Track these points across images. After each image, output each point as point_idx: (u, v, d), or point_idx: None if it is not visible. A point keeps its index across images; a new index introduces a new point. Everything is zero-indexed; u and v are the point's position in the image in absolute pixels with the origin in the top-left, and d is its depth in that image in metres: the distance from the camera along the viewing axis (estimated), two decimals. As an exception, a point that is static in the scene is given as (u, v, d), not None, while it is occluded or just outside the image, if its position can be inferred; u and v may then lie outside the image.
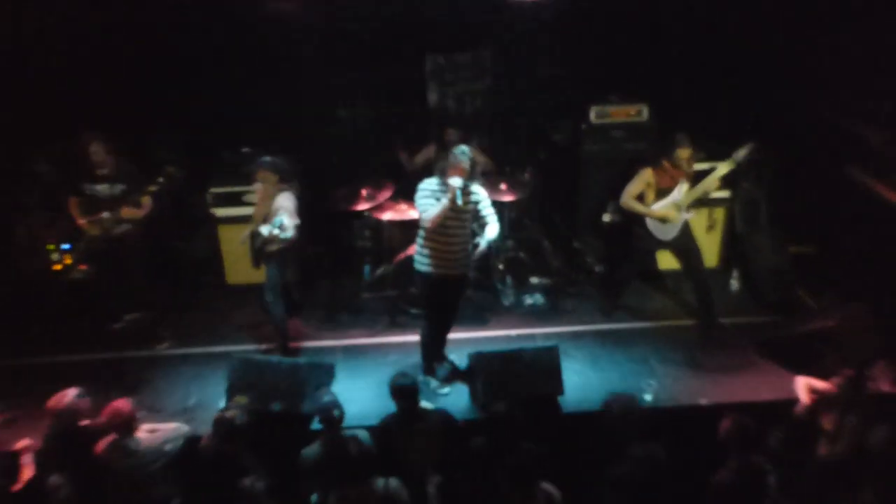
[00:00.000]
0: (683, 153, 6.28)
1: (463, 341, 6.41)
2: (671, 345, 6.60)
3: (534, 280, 7.27)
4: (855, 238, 6.80)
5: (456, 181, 5.35)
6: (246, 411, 4.78)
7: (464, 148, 5.51)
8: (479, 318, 6.81)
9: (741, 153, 6.21)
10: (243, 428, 4.70)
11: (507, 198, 6.98)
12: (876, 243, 6.45)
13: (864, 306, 5.99)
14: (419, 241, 5.60)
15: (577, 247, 7.53)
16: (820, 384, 5.01)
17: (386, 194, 6.95)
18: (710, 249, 7.39)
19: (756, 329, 6.74)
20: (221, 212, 6.98)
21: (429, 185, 5.52)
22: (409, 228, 6.93)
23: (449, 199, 5.37)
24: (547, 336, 6.64)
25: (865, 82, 6.63)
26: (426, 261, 5.59)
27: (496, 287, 7.11)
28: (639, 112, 7.32)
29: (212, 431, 4.77)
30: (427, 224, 5.42)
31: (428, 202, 5.46)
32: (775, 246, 7.34)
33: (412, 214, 6.70)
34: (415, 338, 6.18)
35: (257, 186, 5.91)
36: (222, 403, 5.27)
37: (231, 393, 5.39)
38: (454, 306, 5.83)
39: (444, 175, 5.47)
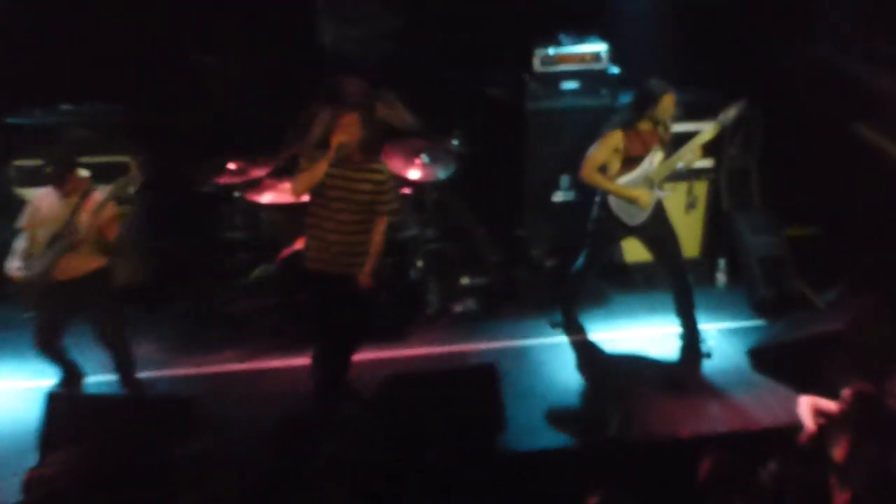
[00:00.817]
0: (666, 107, 6.24)
1: (372, 364, 6.37)
2: (641, 359, 6.64)
3: (464, 281, 7.24)
4: (867, 215, 6.97)
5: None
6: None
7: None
8: (392, 333, 6.78)
9: (730, 113, 6.26)
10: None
11: (428, 173, 6.95)
12: (893, 221, 6.62)
13: (881, 302, 6.08)
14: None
15: (520, 235, 7.53)
16: (828, 404, 5.01)
17: (264, 169, 6.91)
18: (689, 235, 7.42)
19: (748, 335, 6.82)
20: (32, 193, 6.66)
21: None
22: (297, 214, 6.84)
23: (326, 157, 5.51)
24: (483, 353, 6.66)
25: (878, 16, 6.77)
26: (305, 252, 5.75)
27: (415, 291, 7.04)
28: (596, 56, 7.33)
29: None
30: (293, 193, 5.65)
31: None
32: (770, 228, 7.43)
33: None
34: (307, 361, 6.15)
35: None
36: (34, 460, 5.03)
37: (46, 443, 5.15)
38: (340, 321, 5.79)
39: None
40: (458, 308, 7.11)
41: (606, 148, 6.32)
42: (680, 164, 6.39)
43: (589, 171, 6.34)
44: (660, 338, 6.85)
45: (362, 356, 6.23)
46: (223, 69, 7.51)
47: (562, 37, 7.36)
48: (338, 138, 5.56)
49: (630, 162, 6.35)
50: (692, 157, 6.39)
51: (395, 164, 6.83)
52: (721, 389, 6.30)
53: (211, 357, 6.65)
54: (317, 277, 5.73)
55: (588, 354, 6.72)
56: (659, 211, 6.48)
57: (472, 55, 7.67)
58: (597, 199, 6.48)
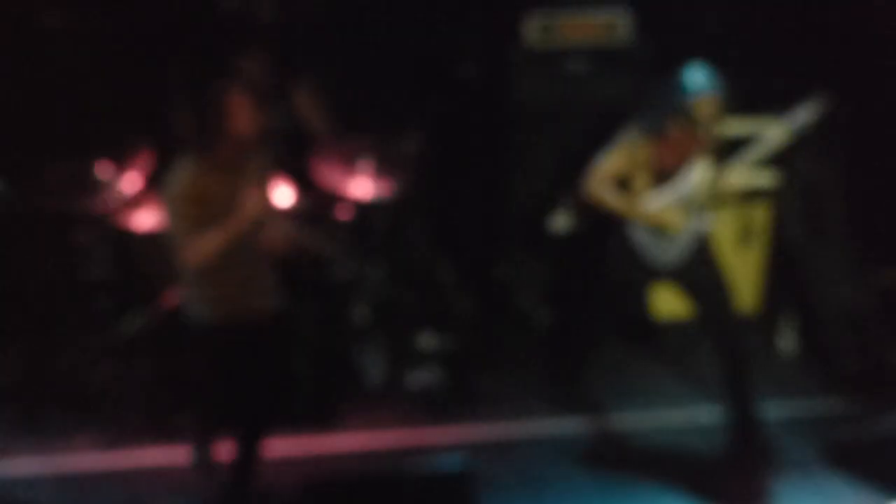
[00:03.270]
0: (705, 104, 6.21)
1: (289, 462, 6.43)
2: (674, 457, 6.68)
3: (424, 342, 7.29)
4: None
5: (253, 203, 5.47)
6: None
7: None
8: (319, 417, 6.84)
9: (802, 114, 6.33)
10: None
11: (375, 189, 7.03)
12: None
13: None
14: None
15: (503, 278, 7.62)
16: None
17: (137, 181, 6.93)
18: (743, 281, 7.48)
19: (825, 424, 6.89)
20: None
21: (175, 184, 5.48)
22: None
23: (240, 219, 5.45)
24: (449, 447, 6.65)
25: None
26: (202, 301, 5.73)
27: (353, 356, 7.11)
28: (612, 26, 7.44)
29: None
30: (189, 264, 5.51)
31: (181, 220, 5.47)
32: (857, 272, 7.52)
33: None
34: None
35: None
36: None
37: None
38: (257, 384, 5.87)
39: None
40: (413, 381, 7.16)
41: (624, 157, 6.36)
42: (734, 181, 6.41)
43: (595, 186, 6.38)
44: (701, 426, 6.89)
45: (275, 450, 6.24)
46: (66, 30, 7.60)
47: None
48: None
49: (663, 177, 6.42)
50: (747, 173, 6.45)
51: (327, 175, 6.93)
52: (787, 501, 6.34)
53: (56, 445, 6.62)
54: (223, 329, 5.73)
55: (599, 450, 6.71)
56: (701, 247, 6.52)
57: (438, 24, 7.74)
58: (615, 227, 6.51)
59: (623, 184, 6.41)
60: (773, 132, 6.34)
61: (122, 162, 6.97)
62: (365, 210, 7.08)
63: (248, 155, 5.55)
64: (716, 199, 6.49)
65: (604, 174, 6.38)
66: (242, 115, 5.40)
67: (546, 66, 7.35)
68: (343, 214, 7.04)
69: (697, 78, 6.19)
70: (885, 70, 7.49)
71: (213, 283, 5.59)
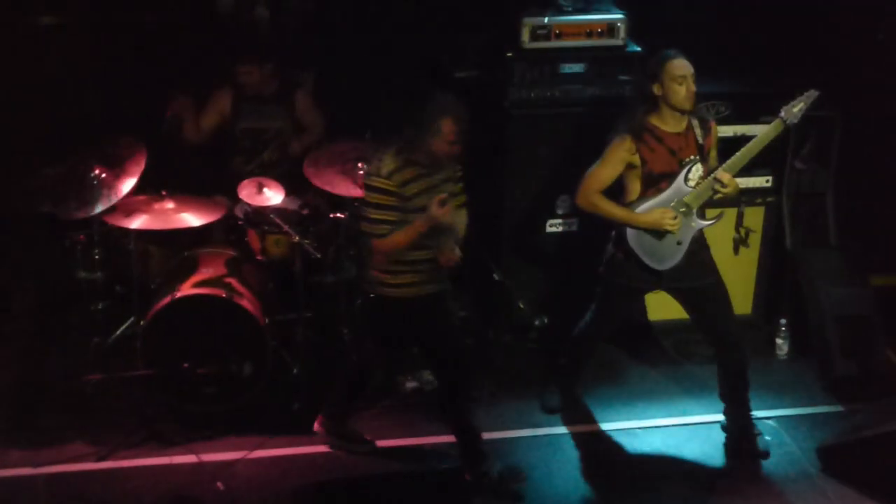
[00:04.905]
0: (677, 65, 6.26)
1: (282, 464, 6.52)
2: (672, 460, 6.71)
3: None
4: None
5: (440, 214, 5.87)
6: None
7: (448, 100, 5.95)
8: (313, 420, 6.77)
9: (795, 108, 6.36)
10: None
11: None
12: None
13: None
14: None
15: (499, 281, 7.45)
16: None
17: (129, 181, 6.92)
18: (738, 285, 7.51)
19: (819, 426, 6.96)
20: None
21: (384, 181, 5.87)
22: (180, 247, 6.98)
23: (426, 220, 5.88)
24: (445, 451, 6.63)
25: None
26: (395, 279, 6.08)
27: (349, 359, 7.09)
28: (611, 28, 7.43)
29: None
30: (382, 253, 5.95)
31: (386, 215, 5.90)
32: (851, 276, 7.60)
33: (189, 220, 6.88)
34: (188, 459, 6.21)
35: None
36: None
37: None
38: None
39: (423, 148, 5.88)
40: (409, 384, 7.16)
41: (613, 162, 6.38)
42: (728, 183, 6.40)
43: (588, 196, 6.40)
44: (698, 429, 6.93)
45: (267, 452, 6.48)
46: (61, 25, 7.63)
47: (562, 0, 7.43)
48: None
49: (653, 180, 6.42)
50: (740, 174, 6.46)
51: (323, 176, 6.99)
52: (783, 502, 6.42)
53: (51, 451, 6.56)
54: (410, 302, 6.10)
55: (596, 453, 6.73)
56: (698, 251, 6.54)
57: (432, 24, 7.78)
58: (612, 232, 6.54)
59: (614, 189, 6.44)
60: (764, 130, 6.38)
61: (114, 164, 6.97)
62: (354, 209, 6.97)
63: (443, 166, 6.02)
64: (710, 201, 6.49)
65: (597, 182, 6.40)
66: (452, 139, 5.87)
67: (542, 67, 7.36)
68: (339, 215, 7.08)
69: (663, 59, 6.28)
70: (877, 76, 7.62)
71: (405, 268, 6.01)
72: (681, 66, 6.24)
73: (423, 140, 5.85)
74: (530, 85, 7.39)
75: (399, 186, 5.84)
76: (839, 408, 7.17)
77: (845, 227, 7.81)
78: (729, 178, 6.36)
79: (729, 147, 6.56)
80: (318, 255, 6.98)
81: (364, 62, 7.77)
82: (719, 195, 6.40)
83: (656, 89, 6.26)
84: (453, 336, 6.37)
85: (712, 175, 6.36)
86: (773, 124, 6.36)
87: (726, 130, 7.14)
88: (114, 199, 6.83)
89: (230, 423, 6.77)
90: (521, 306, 7.30)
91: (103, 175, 6.89)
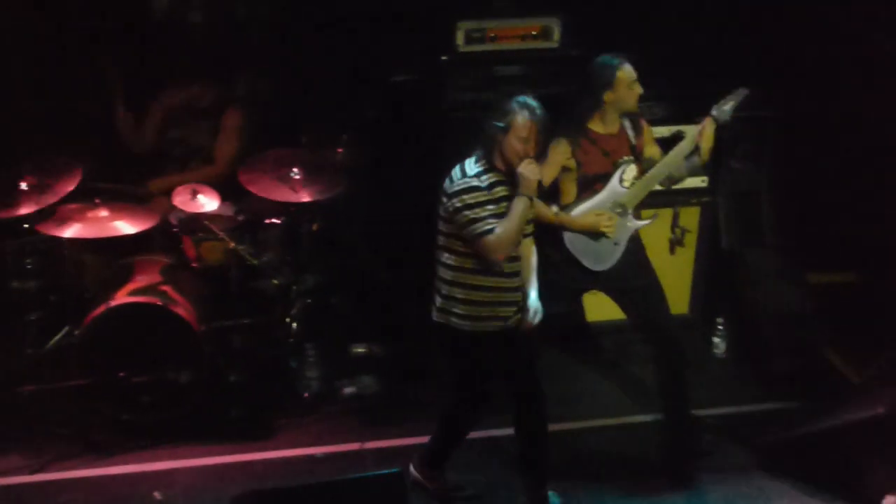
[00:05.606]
0: (624, 92, 6.30)
1: (221, 472, 6.52)
2: (609, 462, 6.76)
3: (359, 349, 7.36)
4: None
5: (531, 170, 5.75)
6: None
7: (525, 99, 5.78)
8: (252, 427, 6.86)
9: (726, 106, 6.42)
10: None
11: (306, 195, 7.06)
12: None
13: None
14: (455, 278, 5.92)
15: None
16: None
17: (67, 188, 6.90)
18: (675, 284, 7.56)
19: (757, 423, 7.03)
20: None
21: (474, 179, 5.80)
22: (116, 254, 6.92)
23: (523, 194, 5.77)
24: (384, 454, 6.68)
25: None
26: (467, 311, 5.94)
27: (286, 365, 7.14)
28: (545, 32, 7.51)
29: None
30: (498, 251, 5.78)
31: (486, 212, 5.77)
32: (787, 274, 7.70)
33: (123, 228, 6.83)
34: (126, 469, 6.15)
35: None
36: None
37: None
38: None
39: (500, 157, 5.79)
40: (348, 389, 7.18)
41: (548, 165, 6.35)
42: (662, 178, 6.49)
43: None
44: (638, 429, 6.98)
45: (205, 461, 6.50)
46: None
47: (496, 4, 7.47)
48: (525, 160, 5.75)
49: (588, 182, 6.43)
50: (677, 169, 6.48)
51: (257, 183, 6.97)
52: (720, 498, 6.46)
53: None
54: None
55: (535, 454, 6.47)
56: (635, 251, 6.57)
57: (367, 29, 7.75)
58: (549, 235, 6.50)
59: (551, 191, 6.45)
60: (698, 128, 6.40)
61: (49, 174, 6.94)
62: (297, 216, 7.12)
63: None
64: (648, 201, 6.54)
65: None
66: (525, 135, 5.72)
67: (477, 70, 7.40)
68: (274, 220, 7.10)
69: (608, 65, 6.29)
70: (813, 74, 7.70)
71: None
72: (631, 72, 6.29)
73: (496, 141, 5.77)
74: (466, 88, 7.41)
75: (488, 189, 5.78)
76: (777, 405, 7.23)
77: (782, 225, 7.87)
78: (663, 178, 6.43)
79: (663, 149, 6.60)
80: (255, 261, 6.96)
81: (298, 67, 7.77)
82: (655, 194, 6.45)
83: (607, 97, 6.29)
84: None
85: (648, 173, 6.41)
86: (705, 122, 6.37)
87: (661, 131, 7.17)
88: (45, 205, 6.79)
89: (167, 432, 6.73)
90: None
91: (32, 185, 6.86)
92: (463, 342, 5.95)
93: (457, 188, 5.78)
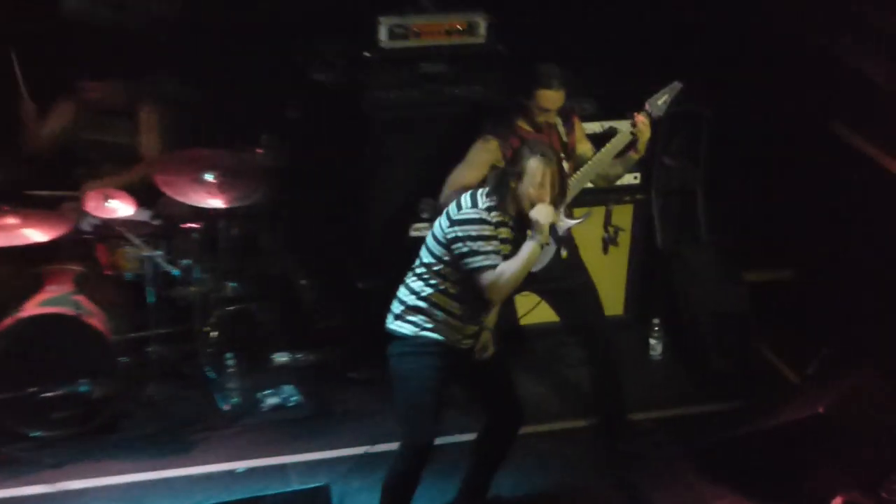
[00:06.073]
0: (547, 98, 6.38)
1: (133, 489, 6.49)
2: (546, 468, 6.75)
3: (279, 358, 7.31)
4: (859, 251, 7.29)
5: (545, 214, 5.60)
6: None
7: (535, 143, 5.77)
8: (168, 441, 6.82)
9: (660, 100, 6.45)
10: None
11: (224, 198, 7.00)
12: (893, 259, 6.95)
13: (877, 374, 6.40)
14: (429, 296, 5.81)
15: (365, 288, 7.55)
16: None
17: None
18: (608, 285, 7.58)
19: (695, 425, 7.09)
20: None
21: (484, 213, 5.67)
22: (26, 262, 6.92)
23: (540, 235, 5.62)
24: (309, 468, 6.66)
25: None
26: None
27: (204, 376, 7.12)
28: (471, 27, 7.44)
29: None
30: (498, 289, 5.62)
31: (491, 247, 5.63)
32: (724, 273, 7.75)
33: (33, 236, 6.74)
34: (37, 490, 6.20)
35: None
36: None
37: None
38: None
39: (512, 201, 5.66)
40: (271, 401, 7.12)
41: (477, 163, 6.41)
42: (593, 176, 6.51)
43: (452, 198, 6.20)
44: (572, 434, 6.97)
45: (121, 478, 6.46)
46: None
47: (421, -1, 7.49)
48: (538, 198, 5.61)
49: None
50: (612, 167, 6.51)
51: (175, 186, 6.86)
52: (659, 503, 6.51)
53: None
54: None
55: (467, 462, 6.51)
56: (566, 250, 6.59)
57: (287, 24, 7.72)
58: None
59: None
60: (631, 123, 6.40)
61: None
62: (214, 220, 7.05)
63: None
64: (578, 199, 6.55)
65: (460, 185, 6.39)
66: (540, 181, 5.60)
67: (401, 67, 7.34)
68: (191, 225, 7.03)
69: (549, 71, 6.32)
70: (749, 68, 7.71)
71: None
72: (550, 100, 6.36)
73: (508, 184, 5.63)
74: (390, 86, 7.36)
75: (495, 227, 5.63)
76: (714, 406, 7.26)
77: (717, 223, 7.91)
78: (593, 177, 6.47)
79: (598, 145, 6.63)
80: (172, 269, 6.90)
81: (215, 65, 7.67)
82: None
83: (523, 101, 6.40)
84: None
85: (578, 171, 6.43)
86: (638, 117, 6.37)
87: (593, 127, 7.20)
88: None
89: (81, 449, 6.65)
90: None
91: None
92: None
93: (464, 217, 5.65)
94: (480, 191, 5.70)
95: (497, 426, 6.11)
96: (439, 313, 5.72)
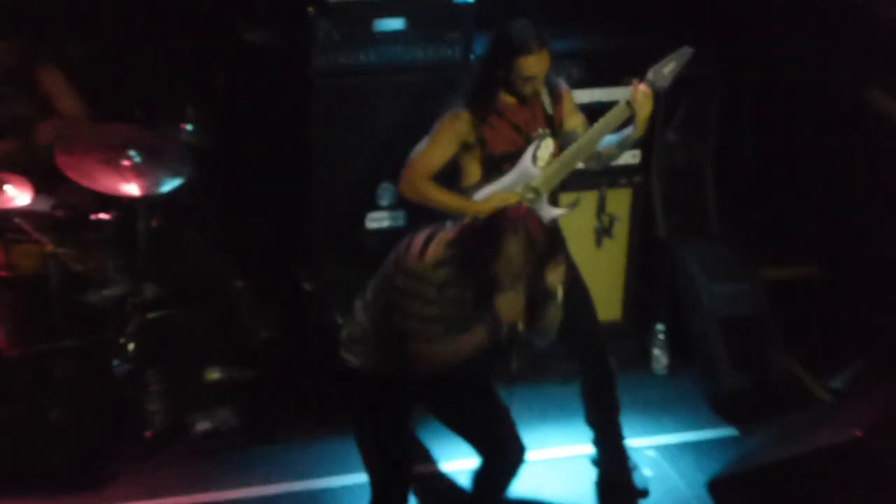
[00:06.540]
0: (530, 65, 6.32)
1: None
2: (528, 493, 6.70)
3: (212, 374, 7.31)
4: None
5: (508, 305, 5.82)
6: None
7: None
8: (79, 473, 6.79)
9: (666, 68, 6.38)
10: None
11: (142, 184, 6.96)
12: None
13: None
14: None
15: (311, 291, 7.59)
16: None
17: None
18: (603, 285, 7.60)
19: (706, 453, 7.09)
20: None
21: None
22: None
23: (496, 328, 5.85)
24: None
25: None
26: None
27: (122, 395, 7.10)
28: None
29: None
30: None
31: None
32: (737, 269, 7.73)
33: None
34: None
35: None
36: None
37: None
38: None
39: None
40: (201, 425, 7.07)
41: (446, 141, 6.41)
42: (585, 156, 6.46)
43: (414, 183, 6.43)
44: (561, 464, 6.91)
45: None
46: None
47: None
48: None
49: (495, 162, 6.46)
50: (606, 145, 6.46)
51: (81, 168, 6.77)
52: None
53: None
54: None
55: (437, 496, 6.75)
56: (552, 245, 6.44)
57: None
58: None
59: (449, 174, 6.47)
60: (630, 96, 6.33)
61: None
62: (131, 211, 7.01)
63: None
64: (566, 183, 6.54)
65: (425, 166, 6.43)
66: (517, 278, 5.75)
67: (352, 25, 7.29)
68: (103, 216, 6.94)
69: (523, 33, 6.27)
70: (768, 25, 7.67)
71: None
72: (533, 66, 6.29)
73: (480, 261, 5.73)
74: (339, 47, 7.31)
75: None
76: (731, 431, 7.27)
77: (730, 210, 7.88)
78: (586, 156, 6.41)
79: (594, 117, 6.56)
80: (80, 268, 6.82)
81: (129, 24, 7.65)
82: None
83: (501, 73, 6.38)
84: None
85: (567, 150, 6.38)
86: (640, 86, 6.30)
87: (581, 96, 7.09)
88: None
89: None
90: (339, 322, 7.05)
91: None
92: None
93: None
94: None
95: (491, 464, 6.20)
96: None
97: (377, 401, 5.99)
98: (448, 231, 5.87)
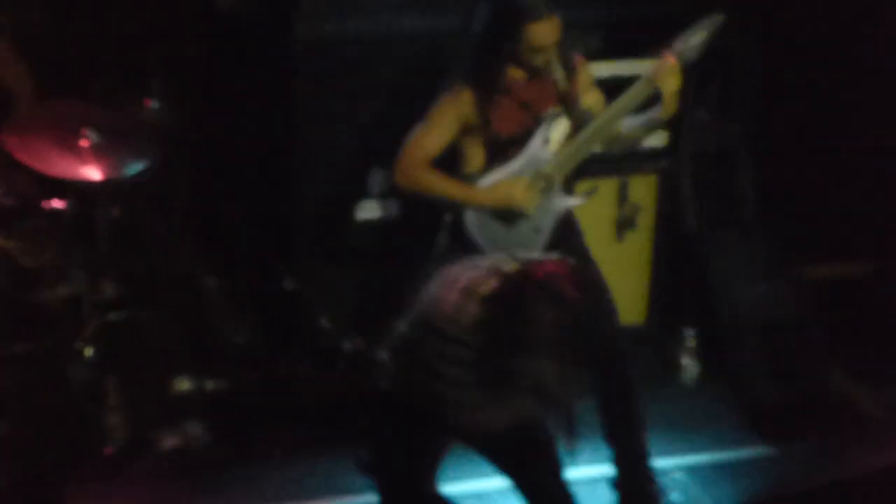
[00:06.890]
0: (540, 33, 6.31)
1: None
2: None
3: (180, 384, 7.24)
4: None
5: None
6: None
7: None
8: (35, 498, 6.79)
9: (694, 39, 6.36)
10: None
11: (102, 168, 6.93)
12: None
13: None
14: None
15: (293, 291, 7.62)
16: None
17: None
18: (625, 284, 7.62)
19: (744, 475, 7.03)
20: None
21: None
22: None
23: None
24: None
25: None
26: None
27: (82, 407, 7.04)
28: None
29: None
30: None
31: None
32: (775, 267, 7.75)
33: None
34: None
35: None
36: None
37: None
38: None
39: None
40: (168, 441, 7.04)
41: (445, 123, 6.44)
42: (603, 138, 6.48)
43: (410, 170, 6.44)
44: (578, 487, 6.58)
45: None
46: None
47: None
48: None
49: (500, 146, 6.49)
50: (628, 127, 6.48)
51: (32, 150, 6.77)
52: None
53: None
54: None
55: None
56: (567, 239, 6.58)
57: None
58: (446, 217, 6.59)
59: (449, 159, 6.50)
60: (652, 70, 6.34)
61: None
62: (90, 199, 7.02)
63: None
64: (582, 169, 6.56)
65: (422, 151, 6.45)
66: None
67: None
68: (57, 204, 6.97)
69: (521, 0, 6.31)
70: None
71: None
72: (543, 34, 6.27)
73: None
74: (325, 15, 7.32)
75: None
76: (769, 450, 7.22)
77: (767, 198, 7.86)
78: (605, 137, 6.44)
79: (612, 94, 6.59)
80: (30, 263, 6.83)
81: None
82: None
83: (507, 43, 6.37)
84: None
85: (583, 131, 6.38)
86: (664, 61, 6.30)
87: (600, 70, 7.07)
88: None
89: None
90: (325, 325, 7.35)
91: None
92: None
93: None
94: None
95: None
96: None
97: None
98: (480, 282, 5.51)
